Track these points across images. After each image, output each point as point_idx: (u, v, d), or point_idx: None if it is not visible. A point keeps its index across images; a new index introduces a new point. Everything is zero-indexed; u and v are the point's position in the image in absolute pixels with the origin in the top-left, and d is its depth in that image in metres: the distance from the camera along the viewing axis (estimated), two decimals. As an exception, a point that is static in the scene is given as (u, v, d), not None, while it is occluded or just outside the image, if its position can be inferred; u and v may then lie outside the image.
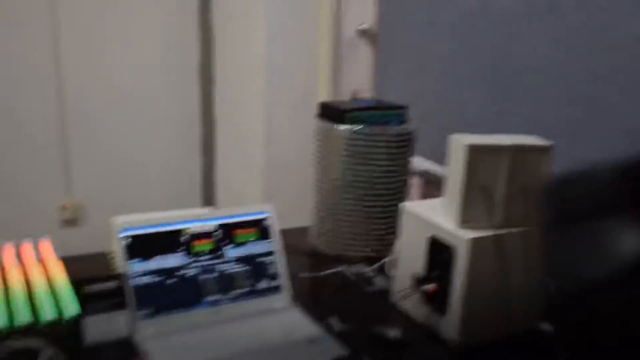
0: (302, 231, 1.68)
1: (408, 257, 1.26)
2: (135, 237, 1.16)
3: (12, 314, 1.16)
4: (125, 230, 1.16)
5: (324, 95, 2.20)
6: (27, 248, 1.45)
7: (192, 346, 1.09)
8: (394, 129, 1.48)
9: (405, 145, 1.51)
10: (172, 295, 1.17)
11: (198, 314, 1.18)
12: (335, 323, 1.20)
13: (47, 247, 1.47)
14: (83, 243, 1.49)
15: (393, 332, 1.16)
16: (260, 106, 2.28)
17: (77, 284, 1.10)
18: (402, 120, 1.52)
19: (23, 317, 1.14)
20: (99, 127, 2.68)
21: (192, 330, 1.14)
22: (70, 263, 1.39)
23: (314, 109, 1.57)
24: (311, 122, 1.59)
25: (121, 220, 1.17)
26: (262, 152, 2.33)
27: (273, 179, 2.35)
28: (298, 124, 2.29)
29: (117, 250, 1.16)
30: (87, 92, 2.61)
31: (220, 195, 2.83)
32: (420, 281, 1.21)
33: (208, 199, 2.91)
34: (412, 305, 1.24)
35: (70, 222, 2.74)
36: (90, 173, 2.74)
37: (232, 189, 2.71)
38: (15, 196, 2.61)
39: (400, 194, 1.54)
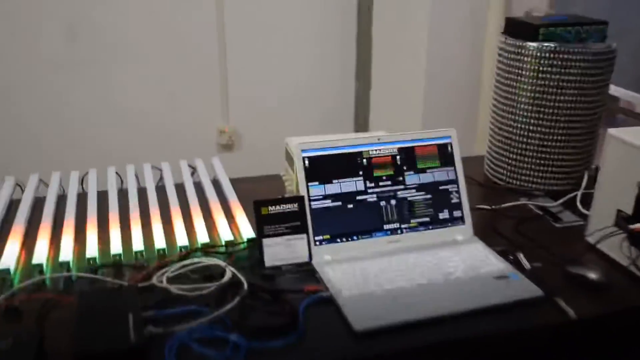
0: (472, 161, 1.56)
1: (611, 191, 1.11)
2: (314, 159, 1.11)
3: (191, 234, 1.17)
4: (306, 151, 1.11)
5: (496, 11, 2.01)
6: (200, 167, 1.46)
7: (370, 275, 1.03)
8: (594, 47, 1.30)
9: (604, 67, 1.32)
10: (349, 222, 1.11)
11: (376, 242, 1.12)
12: (523, 260, 1.09)
13: (218, 167, 1.47)
14: (239, 167, 1.47)
15: (594, 274, 1.03)
16: (424, 24, 2.13)
17: (256, 205, 1.07)
18: (602, 37, 1.33)
19: (202, 237, 1.15)
20: (254, 56, 2.68)
21: (369, 258, 1.09)
22: (240, 184, 1.39)
23: (484, 27, 1.41)
24: (480, 41, 1.44)
25: (301, 141, 1.12)
26: (424, 74, 2.20)
27: (435, 103, 2.22)
28: (466, 43, 2.12)
29: (296, 172, 1.11)
30: (245, 24, 2.60)
31: (375, 122, 2.74)
32: (627, 219, 1.06)
33: (361, 125, 2.85)
34: (614, 246, 1.10)
35: (227, 146, 2.80)
36: (245, 100, 2.76)
37: (387, 114, 2.61)
38: (176, 120, 2.70)
39: (595, 121, 1.36)
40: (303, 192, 1.10)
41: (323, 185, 1.11)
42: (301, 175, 1.10)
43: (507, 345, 0.97)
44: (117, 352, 0.82)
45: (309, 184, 1.10)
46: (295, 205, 1.08)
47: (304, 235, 1.08)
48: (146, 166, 1.47)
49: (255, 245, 1.12)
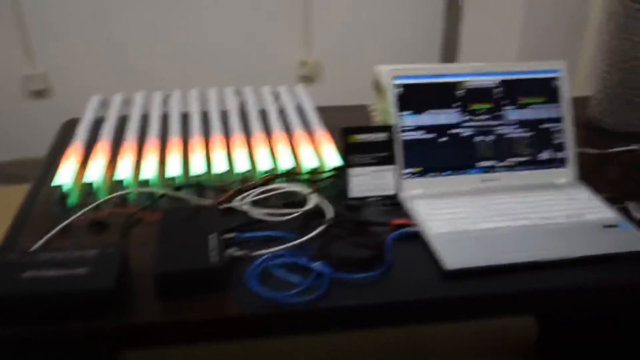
0: (573, 102, 1.43)
1: None
2: (408, 87, 1.04)
3: (274, 159, 1.13)
4: (399, 78, 1.03)
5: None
6: (284, 94, 1.41)
7: (461, 213, 0.97)
8: None
9: None
10: (442, 155, 1.04)
11: (469, 179, 1.04)
12: (635, 209, 1.00)
13: (302, 94, 1.42)
14: (320, 101, 1.41)
15: None
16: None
17: (343, 132, 1.01)
18: None
19: (285, 162, 1.10)
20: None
21: (461, 195, 1.02)
22: (324, 113, 1.33)
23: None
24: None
25: (393, 67, 1.04)
26: (521, 12, 2.05)
27: (533, 37, 2.07)
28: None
29: (387, 101, 1.05)
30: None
31: (464, 56, 2.61)
32: None
33: (448, 59, 2.72)
34: None
35: (308, 78, 2.74)
36: (328, 32, 2.68)
37: (478, 47, 2.47)
38: (258, 50, 2.65)
39: None
40: (394, 121, 1.03)
41: (415, 115, 1.04)
42: (393, 103, 1.03)
43: (609, 299, 0.89)
44: (198, 272, 0.80)
45: (401, 113, 1.03)
46: (385, 134, 1.02)
47: (393, 167, 1.02)
48: (228, 90, 1.44)
49: (340, 174, 1.07)
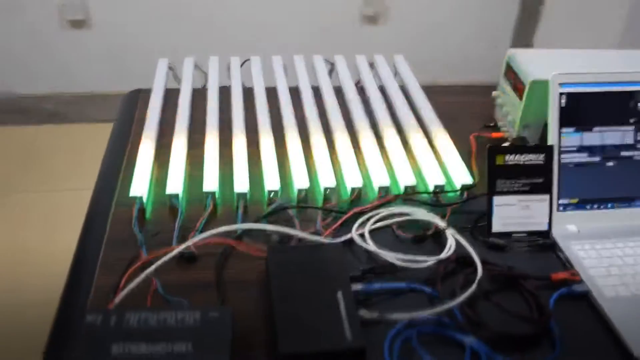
0: None
1: None
2: (573, 97, 0.82)
3: (387, 168, 0.93)
4: (566, 85, 0.82)
5: None
6: (380, 63, 1.19)
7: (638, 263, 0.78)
8: None
9: None
10: (607, 184, 0.84)
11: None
12: None
13: (403, 67, 1.19)
14: (387, 45, 1.19)
15: None
16: None
17: (491, 152, 0.81)
18: None
19: (401, 174, 0.91)
20: None
21: (630, 236, 0.82)
22: (429, 94, 1.12)
23: None
24: None
25: (559, 72, 0.82)
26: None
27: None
28: None
29: (549, 111, 0.83)
30: None
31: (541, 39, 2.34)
32: None
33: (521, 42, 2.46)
34: None
35: (372, 19, 2.48)
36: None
37: (561, 27, 2.19)
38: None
39: None
40: (553, 140, 0.82)
41: (580, 134, 0.83)
42: (554, 117, 0.82)
43: None
44: (334, 354, 0.63)
45: (562, 129, 0.82)
46: (541, 156, 0.81)
47: (546, 197, 0.82)
48: (317, 58, 1.22)
49: (472, 197, 0.88)
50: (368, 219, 0.82)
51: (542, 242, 0.81)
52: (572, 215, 0.83)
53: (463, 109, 1.13)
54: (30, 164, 2.17)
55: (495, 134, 1.02)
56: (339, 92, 1.14)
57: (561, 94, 0.82)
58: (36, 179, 2.08)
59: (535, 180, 0.82)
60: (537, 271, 0.76)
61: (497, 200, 0.81)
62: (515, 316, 0.68)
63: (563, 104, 0.82)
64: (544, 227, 0.82)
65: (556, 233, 0.82)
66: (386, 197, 0.87)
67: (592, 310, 0.73)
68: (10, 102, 2.43)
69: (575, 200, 0.84)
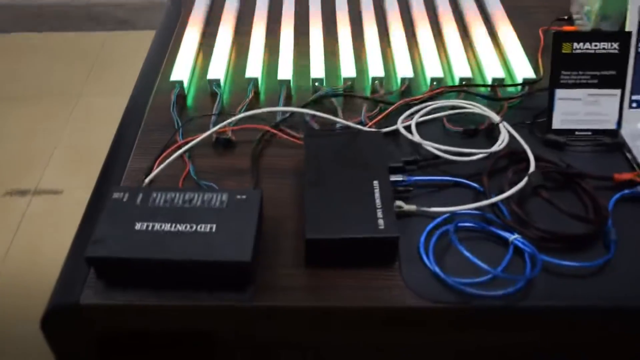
0: None
1: None
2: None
3: (441, 59, 0.86)
4: (652, -38, 0.71)
5: None
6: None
7: None
8: None
9: None
10: (691, 79, 0.74)
11: None
12: None
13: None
14: None
15: None
16: None
17: (556, 39, 0.72)
18: None
19: (458, 65, 0.84)
20: None
21: None
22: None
23: None
24: None
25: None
26: None
27: None
28: None
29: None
30: None
31: None
32: None
33: None
34: None
35: None
36: None
37: None
38: None
39: None
40: (632, 26, 0.73)
41: (664, 20, 0.72)
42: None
43: None
44: (365, 242, 0.59)
45: (643, 14, 0.72)
46: (616, 45, 0.72)
47: (617, 91, 0.73)
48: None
49: (533, 91, 0.80)
50: (416, 112, 0.76)
51: (609, 142, 0.73)
52: (649, 115, 0.75)
53: (536, 1, 1.02)
54: (99, 69, 2.20)
55: (567, 28, 0.92)
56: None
57: (645, -28, 0.71)
58: (104, 84, 2.11)
59: (606, 73, 0.73)
60: (598, 171, 0.69)
61: (559, 93, 0.73)
62: (567, 215, 0.62)
63: (646, -15, 0.72)
64: (613, 125, 0.74)
65: (626, 132, 0.74)
66: (438, 88, 0.80)
67: (658, 215, 0.65)
68: (82, 8, 2.45)
69: (651, 97, 0.75)
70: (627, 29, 0.73)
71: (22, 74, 2.14)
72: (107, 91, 2.06)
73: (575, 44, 0.72)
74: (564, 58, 0.72)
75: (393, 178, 0.66)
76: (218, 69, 0.83)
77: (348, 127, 0.72)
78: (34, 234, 1.57)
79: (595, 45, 0.72)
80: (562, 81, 0.73)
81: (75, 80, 2.12)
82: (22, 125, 1.92)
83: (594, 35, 0.72)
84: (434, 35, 0.90)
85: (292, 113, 0.77)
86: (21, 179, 1.72)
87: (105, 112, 1.94)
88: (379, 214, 0.60)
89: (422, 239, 0.62)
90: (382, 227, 0.59)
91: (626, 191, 0.67)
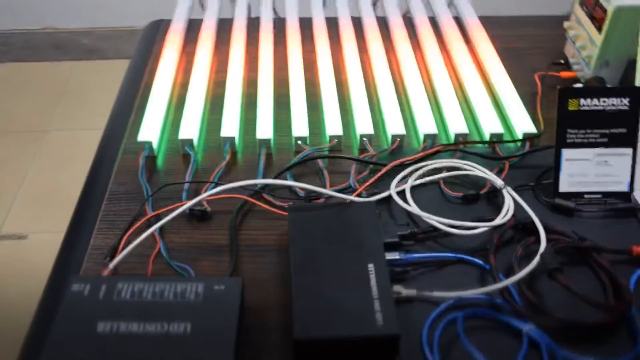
0: None
1: None
2: (672, 28, 0.66)
3: (433, 110, 0.80)
4: (664, 14, 0.65)
5: None
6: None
7: None
8: None
9: None
10: None
11: None
12: None
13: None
14: None
15: None
16: None
17: (562, 95, 0.66)
18: None
19: (452, 119, 0.78)
20: None
21: None
22: (492, 28, 0.96)
23: None
24: None
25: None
26: None
27: None
28: None
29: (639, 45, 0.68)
30: None
31: None
32: None
33: None
34: None
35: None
36: None
37: None
38: None
39: None
40: (642, 81, 0.67)
41: (676, 73, 0.67)
42: (645, 52, 0.66)
43: None
44: (362, 341, 0.52)
45: (655, 68, 0.67)
46: (626, 101, 0.66)
47: (629, 150, 0.68)
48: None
49: (535, 149, 0.74)
50: (410, 174, 0.70)
51: (622, 206, 0.67)
52: (661, 174, 0.69)
53: (527, 43, 0.97)
54: (66, 102, 2.10)
55: (565, 73, 0.86)
56: (383, 23, 0.99)
57: (656, 22, 0.66)
58: (72, 118, 2.02)
59: (616, 131, 0.67)
60: (613, 242, 0.62)
61: (567, 153, 0.67)
62: (587, 302, 0.55)
63: (657, 36, 0.66)
64: (625, 187, 0.68)
65: (639, 195, 0.68)
66: (433, 147, 0.74)
67: (683, 294, 0.59)
68: (47, 37, 2.36)
69: (664, 156, 0.69)
70: (637, 84, 0.67)
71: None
72: (76, 125, 1.97)
73: (582, 100, 0.66)
74: (570, 115, 0.66)
75: (389, 257, 0.59)
76: (191, 127, 0.76)
77: (338, 198, 0.65)
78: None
79: (604, 102, 0.66)
80: (568, 140, 0.67)
81: (42, 114, 2.02)
82: (-16, 165, 1.82)
83: (602, 90, 0.66)
84: (425, 87, 0.83)
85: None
86: (-18, 224, 1.62)
87: (73, 148, 1.84)
88: (376, 305, 0.53)
89: (425, 331, 0.55)
90: (380, 323, 0.52)
91: (647, 267, 0.60)
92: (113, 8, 2.31)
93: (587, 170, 0.68)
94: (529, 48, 0.96)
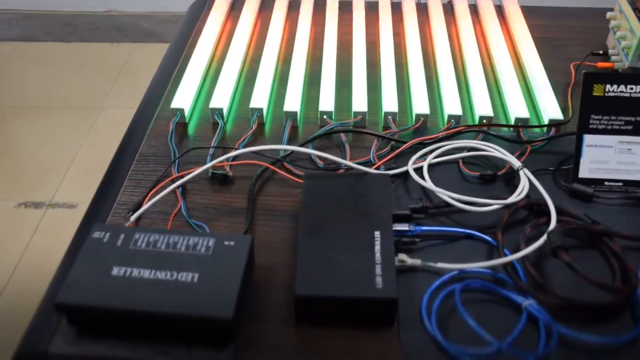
0: None
1: None
2: None
3: (461, 92, 0.80)
4: (697, 0, 0.64)
5: None
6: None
7: None
8: None
9: None
10: None
11: None
12: None
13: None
14: None
15: None
16: None
17: (587, 80, 0.66)
18: None
19: (478, 101, 0.78)
20: None
21: None
22: (534, 19, 0.96)
23: None
24: None
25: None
26: None
27: None
28: None
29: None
30: None
31: None
32: None
33: None
34: None
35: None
36: None
37: None
38: None
39: None
40: (671, 69, 0.66)
41: None
42: (676, 40, 0.65)
43: None
44: (358, 303, 0.53)
45: (685, 56, 0.65)
46: (657, 89, 0.65)
47: (653, 140, 0.66)
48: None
49: (560, 134, 0.73)
50: (430, 152, 0.70)
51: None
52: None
53: (568, 34, 0.96)
54: (121, 80, 2.18)
55: (602, 64, 0.85)
56: (423, 8, 1.00)
57: (689, 10, 0.64)
58: (127, 96, 2.09)
59: (641, 119, 0.66)
60: (630, 230, 0.62)
61: (589, 139, 0.67)
62: (589, 282, 0.55)
63: (690, 24, 0.65)
64: (648, 177, 0.67)
65: (662, 185, 0.66)
66: (455, 127, 0.74)
67: (695, 283, 0.58)
68: (111, 19, 2.45)
69: (691, 147, 0.67)
70: (666, 72, 0.66)
71: (49, 83, 2.14)
72: (130, 104, 2.03)
73: (608, 86, 0.65)
74: (594, 101, 0.66)
75: (398, 227, 0.60)
76: (222, 97, 0.79)
77: (351, 168, 0.66)
78: (45, 248, 1.54)
79: (631, 89, 0.65)
80: (591, 126, 0.66)
81: (99, 92, 2.11)
82: (42, 135, 1.91)
83: (629, 77, 0.65)
84: (456, 69, 0.84)
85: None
86: (36, 191, 1.70)
87: (125, 126, 1.91)
88: (378, 270, 0.54)
89: (425, 299, 0.56)
90: (379, 286, 0.53)
91: (659, 254, 0.59)
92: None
93: (609, 157, 0.67)
94: (569, 39, 0.94)
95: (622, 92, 0.65)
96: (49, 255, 1.51)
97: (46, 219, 1.63)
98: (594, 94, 0.66)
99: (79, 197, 1.68)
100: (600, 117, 0.66)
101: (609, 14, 0.89)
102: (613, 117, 0.66)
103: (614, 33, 0.86)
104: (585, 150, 0.67)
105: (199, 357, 0.52)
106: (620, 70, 0.83)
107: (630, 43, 0.81)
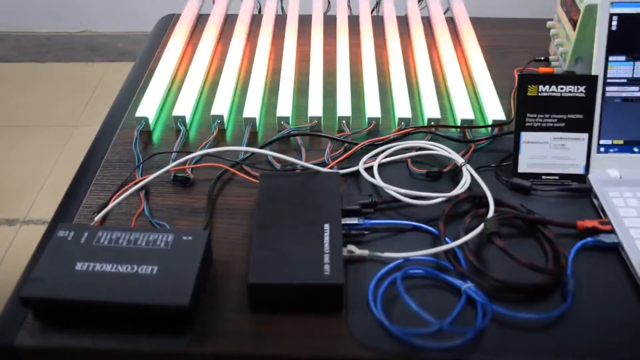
0: None
1: None
2: (627, 20, 0.70)
3: (412, 97, 0.85)
4: (618, 5, 0.70)
5: None
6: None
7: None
8: None
9: None
10: (660, 124, 0.72)
11: (697, 162, 0.72)
12: None
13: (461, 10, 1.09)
14: None
15: None
16: None
17: (522, 81, 0.71)
18: None
19: (428, 105, 0.83)
20: None
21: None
22: (482, 28, 1.01)
23: None
24: None
25: (611, -13, 0.71)
26: None
27: None
28: None
29: (596, 36, 0.72)
30: None
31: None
32: None
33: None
34: None
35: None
36: None
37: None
38: None
39: None
40: (598, 70, 0.71)
41: (631, 64, 0.71)
42: (601, 42, 0.71)
43: None
44: (307, 288, 0.57)
45: (611, 57, 0.71)
46: (582, 88, 0.70)
47: (585, 136, 0.71)
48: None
49: (502, 134, 0.78)
50: (380, 152, 0.75)
51: (576, 187, 0.71)
52: (615, 158, 0.72)
53: (514, 42, 1.01)
54: (96, 98, 2.21)
55: (543, 69, 0.91)
56: (379, 21, 1.05)
57: (612, 14, 0.70)
58: (99, 113, 2.12)
59: (572, 116, 0.71)
60: (563, 218, 0.66)
61: (525, 136, 0.72)
62: (522, 264, 0.60)
63: (614, 28, 0.70)
64: (580, 170, 0.72)
65: (593, 178, 0.71)
66: (405, 129, 0.79)
67: (621, 265, 0.63)
68: (86, 39, 2.49)
69: (619, 142, 0.73)
70: (593, 72, 0.71)
71: (24, 102, 2.16)
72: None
73: (541, 87, 0.71)
74: (529, 101, 0.71)
75: (347, 221, 0.64)
76: (185, 106, 0.83)
77: (305, 167, 0.71)
78: (19, 264, 1.55)
79: (562, 89, 0.70)
80: (527, 124, 0.71)
81: (73, 110, 2.13)
82: (16, 154, 1.93)
83: (560, 78, 0.70)
84: (408, 76, 0.89)
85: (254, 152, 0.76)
86: (11, 208, 1.72)
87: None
88: (326, 259, 0.58)
89: (372, 285, 0.60)
90: (327, 273, 0.57)
91: (589, 239, 0.64)
92: (147, 14, 2.42)
93: (545, 152, 0.72)
94: (515, 47, 1.00)
95: (553, 92, 0.70)
96: (22, 271, 1.52)
97: (20, 235, 1.64)
98: (529, 94, 0.71)
99: (51, 214, 1.70)
100: (535, 115, 0.71)
101: (549, 23, 0.94)
102: (547, 115, 0.71)
103: (554, 41, 0.92)
104: (523, 147, 0.72)
105: (158, 344, 0.55)
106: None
107: (567, 49, 0.86)
